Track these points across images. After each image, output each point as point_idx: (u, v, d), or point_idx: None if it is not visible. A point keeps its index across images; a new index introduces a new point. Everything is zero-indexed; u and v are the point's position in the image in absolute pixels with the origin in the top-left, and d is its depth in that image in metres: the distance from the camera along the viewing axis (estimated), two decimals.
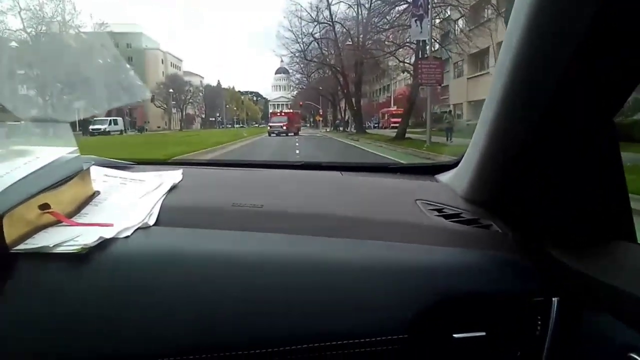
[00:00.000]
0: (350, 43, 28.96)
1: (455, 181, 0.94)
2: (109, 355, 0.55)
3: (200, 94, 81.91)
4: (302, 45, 30.92)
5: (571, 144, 0.62)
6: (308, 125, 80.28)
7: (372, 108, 52.88)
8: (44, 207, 0.64)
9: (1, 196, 0.58)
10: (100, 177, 0.84)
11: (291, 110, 38.09)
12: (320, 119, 58.13)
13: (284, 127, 31.66)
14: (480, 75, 27.94)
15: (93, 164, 0.81)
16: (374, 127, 38.92)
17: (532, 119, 0.61)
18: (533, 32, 0.54)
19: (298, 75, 41.86)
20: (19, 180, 0.61)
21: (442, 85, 17.01)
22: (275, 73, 48.08)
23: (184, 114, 74.64)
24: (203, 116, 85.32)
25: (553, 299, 0.63)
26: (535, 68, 0.57)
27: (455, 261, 0.67)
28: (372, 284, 0.62)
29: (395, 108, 43.99)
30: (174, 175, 0.92)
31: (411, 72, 21.73)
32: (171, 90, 64.14)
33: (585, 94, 0.56)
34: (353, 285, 0.61)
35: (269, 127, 32.11)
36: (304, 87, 45.42)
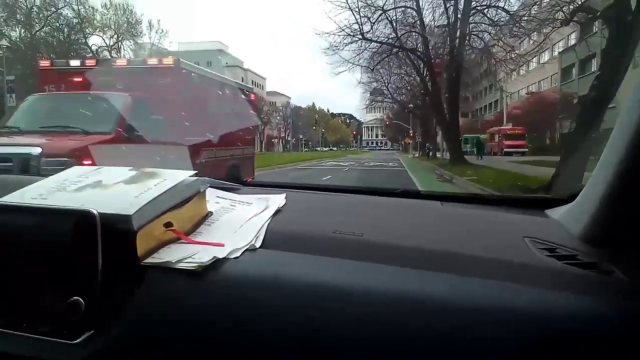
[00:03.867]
0: (446, 24, 16.24)
1: (569, 218, 0.85)
2: None
3: (280, 114, 71.85)
4: (359, 17, 18.48)
5: None
6: (400, 149, 68.78)
7: (475, 128, 38.41)
8: (168, 225, 0.72)
9: (137, 214, 0.66)
10: (213, 198, 0.93)
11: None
12: (410, 142, 45.04)
13: None
14: None
15: (209, 186, 0.90)
16: (478, 154, 25.67)
17: None
18: None
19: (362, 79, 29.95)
20: (151, 200, 0.70)
21: None
22: (370, 94, 37.16)
23: (259, 135, 64.69)
24: (288, 138, 75.89)
25: None
26: None
27: (570, 308, 0.59)
28: (474, 325, 0.57)
29: (509, 126, 29.46)
30: (279, 199, 0.98)
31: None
32: None
33: None
34: (454, 325, 0.57)
35: None
36: (387, 99, 33.25)
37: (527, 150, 29.49)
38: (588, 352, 0.55)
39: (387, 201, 1.16)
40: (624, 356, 0.55)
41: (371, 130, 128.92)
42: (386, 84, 32.37)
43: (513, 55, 17.18)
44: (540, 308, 0.59)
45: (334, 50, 19.89)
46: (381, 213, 0.99)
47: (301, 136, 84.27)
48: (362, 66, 21.87)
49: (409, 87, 33.19)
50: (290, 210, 0.93)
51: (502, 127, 33.04)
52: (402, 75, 29.76)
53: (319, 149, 79.01)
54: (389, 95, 35.14)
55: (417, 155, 37.79)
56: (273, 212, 0.90)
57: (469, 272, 0.66)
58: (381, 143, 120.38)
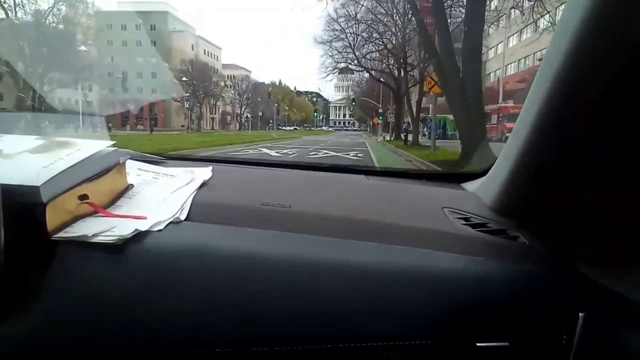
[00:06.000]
0: None
1: (483, 190, 0.96)
2: (137, 341, 0.59)
3: (234, 88, 61.60)
4: None
5: (608, 160, 0.64)
6: (368, 130, 60.76)
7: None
8: (83, 197, 0.69)
9: (46, 185, 0.62)
10: (134, 170, 0.90)
11: None
12: (379, 122, 42.75)
13: None
14: None
15: (129, 158, 0.87)
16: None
17: (572, 132, 0.63)
18: (580, 46, 0.55)
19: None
20: (62, 171, 0.66)
21: None
22: (339, 73, 28.15)
23: (210, 111, 54.86)
24: (248, 115, 66.75)
25: (580, 314, 0.63)
26: (580, 79, 0.58)
27: (481, 271, 0.67)
28: (397, 289, 0.63)
29: (511, 104, 25.30)
30: (204, 172, 0.97)
31: None
32: (184, 79, 43.85)
33: (630, 110, 0.58)
34: (378, 289, 0.63)
35: None
36: (352, 64, 25.02)
37: None
38: (495, 308, 0.63)
39: (314, 175, 1.20)
40: (523, 310, 0.63)
41: (339, 110, 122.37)
42: (352, 45, 23.81)
43: None
44: (456, 271, 0.66)
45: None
46: (309, 186, 1.02)
47: (260, 113, 75.28)
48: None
49: (381, 45, 24.62)
50: (217, 183, 0.94)
51: (502, 105, 25.14)
52: (374, 23, 21.27)
53: (273, 130, 70.05)
54: (355, 60, 26.51)
55: (388, 138, 29.39)
56: (199, 184, 0.88)
57: (393, 240, 0.72)
58: (349, 123, 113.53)
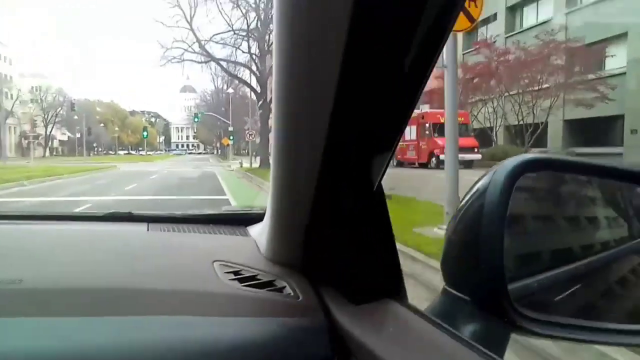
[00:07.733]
0: None
1: (260, 236, 0.91)
2: None
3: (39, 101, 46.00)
4: None
5: (344, 209, 0.65)
6: (215, 153, 49.87)
7: None
8: None
9: None
10: None
11: None
12: (229, 143, 32.88)
13: None
14: None
15: None
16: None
17: (311, 184, 0.62)
18: (293, 84, 0.54)
19: None
20: None
21: None
22: (180, 92, 15.97)
23: None
24: (63, 137, 51.28)
25: None
26: (303, 127, 0.58)
27: (240, 333, 0.60)
28: None
29: (441, 110, 10.75)
30: None
31: None
32: None
33: (350, 163, 0.59)
34: None
35: None
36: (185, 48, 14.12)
37: (480, 155, 14.76)
38: None
39: (72, 230, 1.01)
40: None
41: (181, 131, 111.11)
42: (186, 16, 14.21)
43: None
44: (211, 339, 0.58)
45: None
46: (58, 247, 0.85)
47: (79, 135, 59.83)
48: None
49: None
50: None
51: (427, 111, 17.22)
52: None
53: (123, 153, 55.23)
54: (196, 43, 16.57)
55: (246, 165, 19.59)
56: None
57: (152, 310, 0.62)
58: (192, 146, 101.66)
